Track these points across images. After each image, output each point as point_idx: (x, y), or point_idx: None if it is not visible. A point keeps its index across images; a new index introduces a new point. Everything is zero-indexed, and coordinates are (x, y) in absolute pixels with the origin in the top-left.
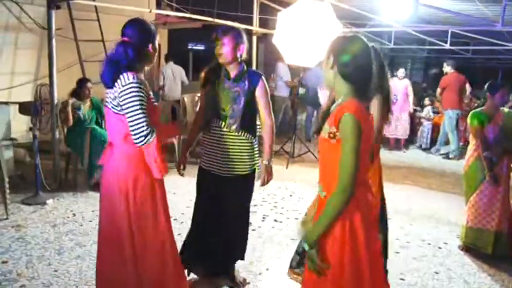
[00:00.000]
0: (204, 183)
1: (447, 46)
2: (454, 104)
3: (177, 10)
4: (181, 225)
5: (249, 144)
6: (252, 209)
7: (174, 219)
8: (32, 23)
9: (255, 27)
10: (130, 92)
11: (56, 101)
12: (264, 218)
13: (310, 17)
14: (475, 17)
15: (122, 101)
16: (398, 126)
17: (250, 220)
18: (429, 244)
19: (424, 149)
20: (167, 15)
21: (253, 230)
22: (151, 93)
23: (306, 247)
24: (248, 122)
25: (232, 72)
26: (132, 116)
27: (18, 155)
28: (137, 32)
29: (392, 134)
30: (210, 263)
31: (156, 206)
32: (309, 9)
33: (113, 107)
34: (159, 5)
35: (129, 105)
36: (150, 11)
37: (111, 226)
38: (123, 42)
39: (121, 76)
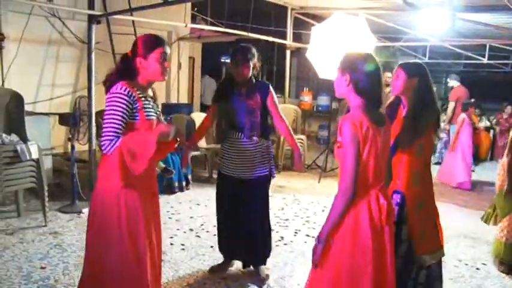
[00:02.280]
0: (226, 186)
1: (485, 60)
2: None
3: (212, 24)
4: (213, 238)
5: (266, 148)
6: (284, 223)
7: (207, 232)
8: (73, 37)
9: (289, 42)
10: (111, 101)
11: (93, 112)
12: (296, 232)
13: (345, 32)
14: None
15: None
16: None
17: (282, 234)
18: (466, 264)
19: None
20: (202, 29)
21: (285, 244)
22: (152, 107)
23: (316, 241)
24: (264, 129)
25: (244, 87)
26: (104, 123)
27: (56, 164)
28: (132, 47)
29: None
30: (237, 253)
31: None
32: (343, 23)
33: None
34: (194, 19)
35: (107, 112)
36: (186, 26)
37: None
38: (122, 55)
39: (114, 85)
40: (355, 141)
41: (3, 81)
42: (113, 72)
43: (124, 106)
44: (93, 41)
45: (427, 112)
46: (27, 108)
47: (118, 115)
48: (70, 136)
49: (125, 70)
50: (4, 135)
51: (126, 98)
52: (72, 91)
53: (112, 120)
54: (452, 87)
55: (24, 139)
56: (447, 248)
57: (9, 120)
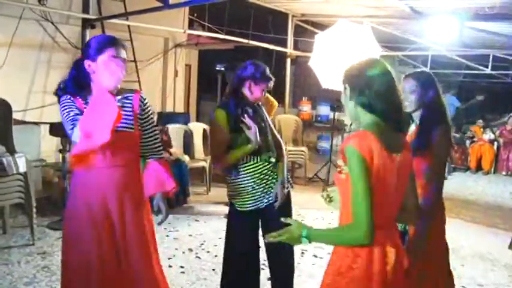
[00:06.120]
0: (246, 226)
1: (488, 70)
2: None
3: (210, 31)
4: (215, 259)
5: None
6: None
7: (208, 252)
8: (66, 43)
9: (289, 50)
10: (63, 107)
11: None
12: (302, 253)
13: (349, 40)
14: None
15: None
16: None
17: None
18: None
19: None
20: (199, 36)
21: None
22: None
23: (305, 240)
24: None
25: (253, 106)
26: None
27: (46, 175)
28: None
29: None
30: None
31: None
32: (347, 32)
33: None
34: (191, 25)
35: (62, 116)
36: (184, 32)
37: None
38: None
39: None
40: (364, 169)
41: None
42: (63, 82)
43: (68, 104)
44: None
45: None
46: (17, 116)
47: (66, 111)
48: (61, 147)
49: (76, 78)
50: None
51: (66, 97)
52: None
53: (65, 116)
54: None
55: (11, 151)
56: (465, 270)
57: None
